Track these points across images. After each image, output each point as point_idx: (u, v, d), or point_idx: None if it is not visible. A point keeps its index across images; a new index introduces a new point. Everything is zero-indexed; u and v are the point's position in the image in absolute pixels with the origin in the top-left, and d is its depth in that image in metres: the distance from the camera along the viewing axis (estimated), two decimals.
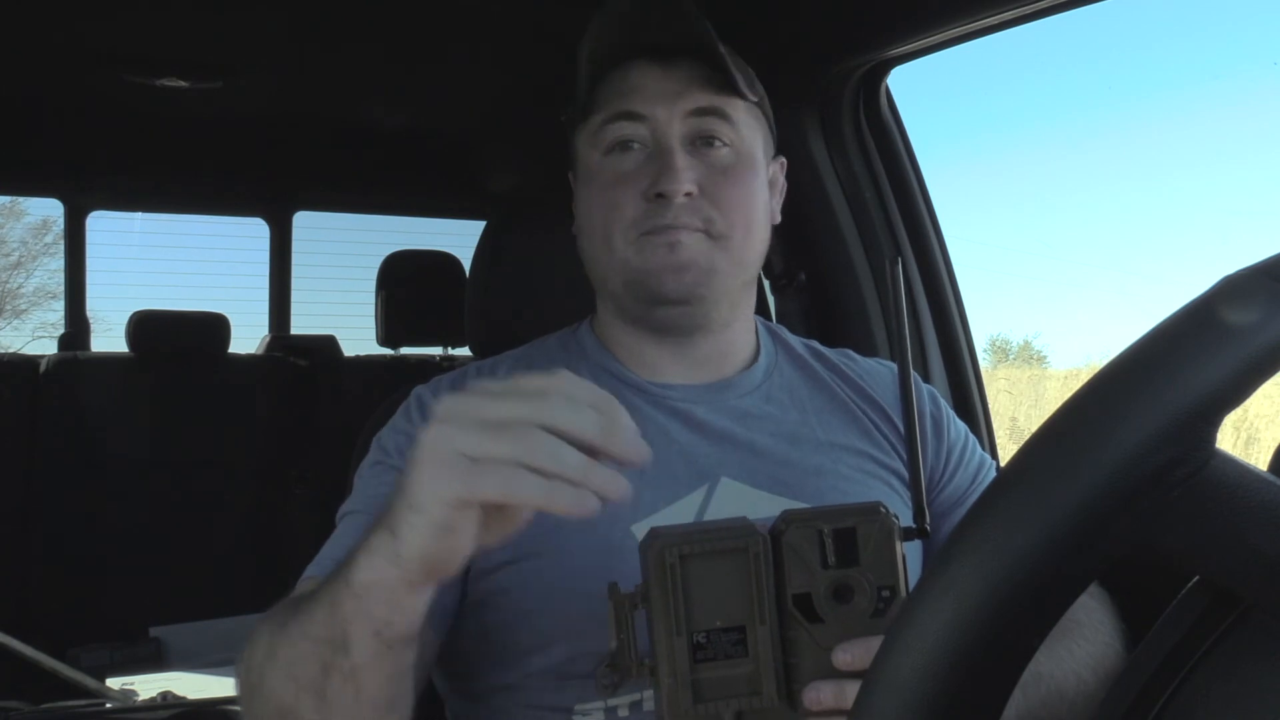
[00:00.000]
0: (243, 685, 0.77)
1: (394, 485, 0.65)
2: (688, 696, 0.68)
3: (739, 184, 0.96)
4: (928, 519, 0.77)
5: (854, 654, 0.68)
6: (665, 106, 0.94)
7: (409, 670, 0.74)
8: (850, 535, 0.70)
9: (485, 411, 0.62)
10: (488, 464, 0.61)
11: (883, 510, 0.71)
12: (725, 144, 0.96)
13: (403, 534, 0.64)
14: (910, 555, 0.74)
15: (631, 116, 0.95)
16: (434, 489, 0.62)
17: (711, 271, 0.94)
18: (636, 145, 0.95)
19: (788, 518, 0.71)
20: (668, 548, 0.68)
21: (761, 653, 0.69)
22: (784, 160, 1.07)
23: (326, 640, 0.70)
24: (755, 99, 0.99)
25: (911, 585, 0.71)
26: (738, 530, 0.70)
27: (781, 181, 1.06)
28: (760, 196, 0.99)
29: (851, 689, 0.68)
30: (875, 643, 0.68)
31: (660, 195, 0.92)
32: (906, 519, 0.75)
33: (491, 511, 0.64)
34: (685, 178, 0.92)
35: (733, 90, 0.95)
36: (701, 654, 0.68)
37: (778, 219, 1.04)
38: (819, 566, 0.70)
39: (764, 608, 0.69)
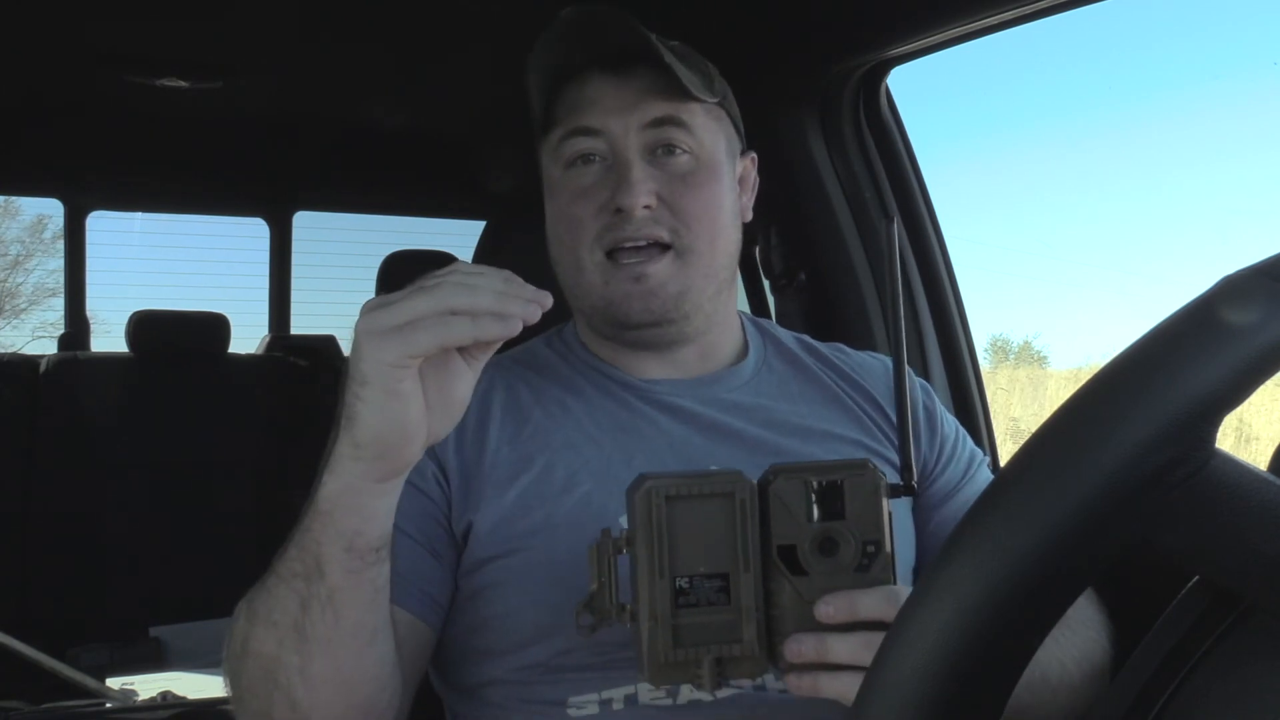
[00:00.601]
0: (227, 665, 0.80)
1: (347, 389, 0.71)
2: (668, 641, 0.68)
3: (700, 190, 0.95)
4: (914, 475, 0.77)
5: (836, 607, 0.69)
6: (621, 119, 0.94)
7: (383, 594, 0.77)
8: (837, 489, 0.70)
9: (401, 295, 0.69)
10: (417, 323, 0.67)
11: (870, 466, 0.71)
12: (685, 151, 0.96)
13: (357, 414, 0.69)
14: (897, 512, 0.75)
15: (588, 132, 0.95)
16: (376, 358, 0.68)
17: (681, 294, 0.95)
18: (596, 158, 0.95)
19: (776, 469, 0.71)
20: (655, 489, 0.69)
21: (744, 601, 0.69)
22: (754, 156, 1.06)
23: (301, 575, 0.73)
24: (715, 99, 0.98)
25: (896, 542, 0.72)
26: (725, 476, 0.70)
27: (753, 177, 1.06)
28: (725, 199, 0.98)
29: (833, 641, 0.69)
30: (859, 596, 0.69)
31: (620, 210, 0.93)
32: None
33: (432, 389, 0.70)
34: (643, 190, 0.92)
35: (688, 96, 0.94)
36: (683, 599, 0.68)
37: (749, 216, 1.04)
38: (805, 519, 0.70)
39: (748, 556, 0.69)
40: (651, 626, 0.68)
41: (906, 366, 1.10)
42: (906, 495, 0.76)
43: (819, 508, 0.70)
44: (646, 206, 0.93)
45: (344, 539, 0.72)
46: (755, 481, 0.71)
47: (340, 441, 0.71)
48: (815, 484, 0.70)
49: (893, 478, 0.97)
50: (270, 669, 0.75)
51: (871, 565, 0.70)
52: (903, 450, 0.78)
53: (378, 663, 0.78)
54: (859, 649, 0.68)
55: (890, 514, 0.71)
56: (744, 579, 0.69)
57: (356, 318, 0.70)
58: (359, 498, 0.72)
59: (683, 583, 0.68)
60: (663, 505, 0.68)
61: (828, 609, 0.69)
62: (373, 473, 0.71)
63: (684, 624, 0.68)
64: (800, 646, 0.69)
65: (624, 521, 0.87)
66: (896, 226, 0.80)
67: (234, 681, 0.80)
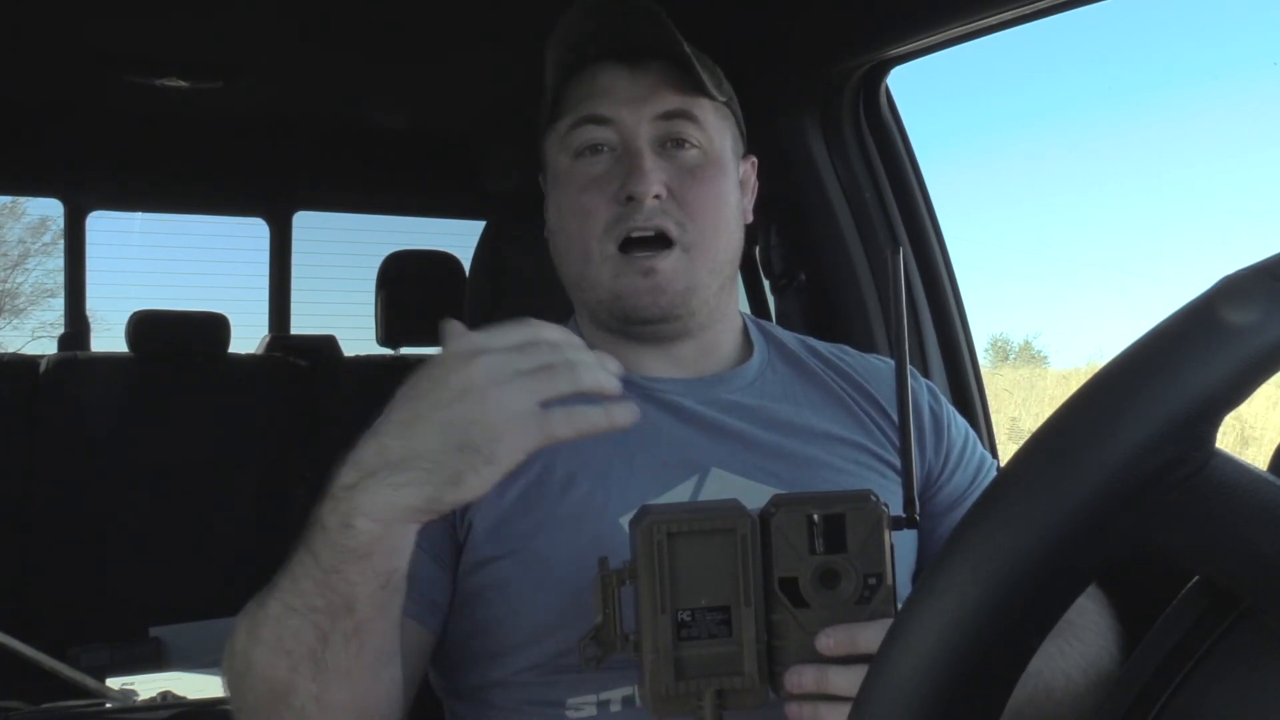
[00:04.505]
0: (228, 679, 0.79)
1: (438, 435, 0.68)
2: (669, 673, 0.69)
3: (708, 185, 0.96)
4: (917, 509, 0.77)
5: (837, 639, 0.69)
6: (633, 109, 0.94)
7: (399, 618, 0.76)
8: (839, 522, 0.71)
9: (529, 361, 0.69)
10: (554, 415, 0.68)
11: (872, 498, 0.72)
12: (694, 145, 0.96)
13: (468, 482, 0.67)
14: (901, 544, 0.75)
15: (599, 120, 0.95)
16: (514, 443, 0.67)
17: (688, 289, 0.95)
18: (605, 149, 0.95)
19: (777, 501, 0.71)
20: (656, 524, 0.69)
21: (745, 634, 0.69)
22: (754, 159, 1.07)
23: (324, 610, 0.72)
24: (723, 99, 0.99)
25: (898, 574, 0.72)
26: (727, 511, 0.71)
27: (753, 180, 1.06)
28: (730, 197, 0.99)
29: (833, 674, 0.69)
30: (859, 629, 0.69)
31: (630, 198, 0.93)
32: (898, 509, 0.75)
33: None
34: (654, 179, 0.93)
35: (701, 91, 0.94)
36: (685, 632, 0.69)
37: (749, 218, 1.04)
38: (807, 551, 0.70)
39: (749, 589, 0.70)
40: (653, 659, 0.69)
41: (910, 368, 1.10)
42: (909, 528, 0.75)
43: (821, 540, 0.70)
44: (656, 196, 0.93)
45: (381, 578, 0.71)
46: (757, 514, 0.71)
47: (415, 489, 0.69)
48: (817, 517, 0.70)
49: (895, 484, 0.97)
50: (282, 692, 0.75)
51: (873, 598, 0.71)
52: (906, 483, 0.77)
53: (391, 683, 0.79)
54: (859, 681, 0.68)
55: (892, 546, 0.72)
56: (745, 612, 0.70)
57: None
58: (404, 539, 0.71)
59: (684, 616, 0.69)
60: (664, 541, 0.69)
61: (828, 641, 0.69)
62: (435, 514, 0.70)
63: (685, 656, 0.69)
64: (801, 678, 0.69)
65: (625, 525, 0.88)
66: (903, 256, 0.79)
67: (238, 697, 0.79)
